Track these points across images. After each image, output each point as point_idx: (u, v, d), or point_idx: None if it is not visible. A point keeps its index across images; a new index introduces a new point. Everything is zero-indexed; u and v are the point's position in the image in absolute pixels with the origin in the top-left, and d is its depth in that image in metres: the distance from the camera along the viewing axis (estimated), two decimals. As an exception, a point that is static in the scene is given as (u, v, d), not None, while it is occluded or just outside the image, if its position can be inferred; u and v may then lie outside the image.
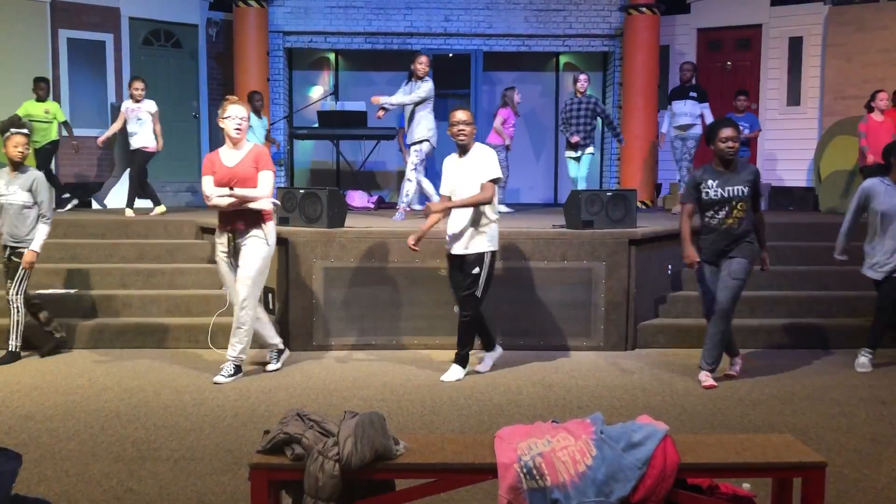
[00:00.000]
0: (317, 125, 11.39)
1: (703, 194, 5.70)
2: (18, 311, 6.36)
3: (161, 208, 9.37)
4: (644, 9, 11.29)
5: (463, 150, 5.78)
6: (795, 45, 11.60)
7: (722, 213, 5.66)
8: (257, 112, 10.64)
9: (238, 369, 5.92)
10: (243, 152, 5.78)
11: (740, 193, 5.63)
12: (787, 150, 11.06)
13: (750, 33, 11.96)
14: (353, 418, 3.00)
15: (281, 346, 6.24)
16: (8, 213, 6.34)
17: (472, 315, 5.82)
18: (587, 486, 2.87)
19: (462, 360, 5.95)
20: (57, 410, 5.11)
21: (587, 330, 6.87)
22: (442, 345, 6.79)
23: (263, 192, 5.75)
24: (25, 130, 6.47)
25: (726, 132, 5.64)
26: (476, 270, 5.73)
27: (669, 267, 7.54)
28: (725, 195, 5.63)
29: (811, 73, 11.51)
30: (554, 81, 13.12)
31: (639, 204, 9.22)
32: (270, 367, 6.16)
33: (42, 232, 6.37)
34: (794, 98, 11.62)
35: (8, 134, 6.36)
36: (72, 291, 7.22)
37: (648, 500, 2.88)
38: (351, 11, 11.91)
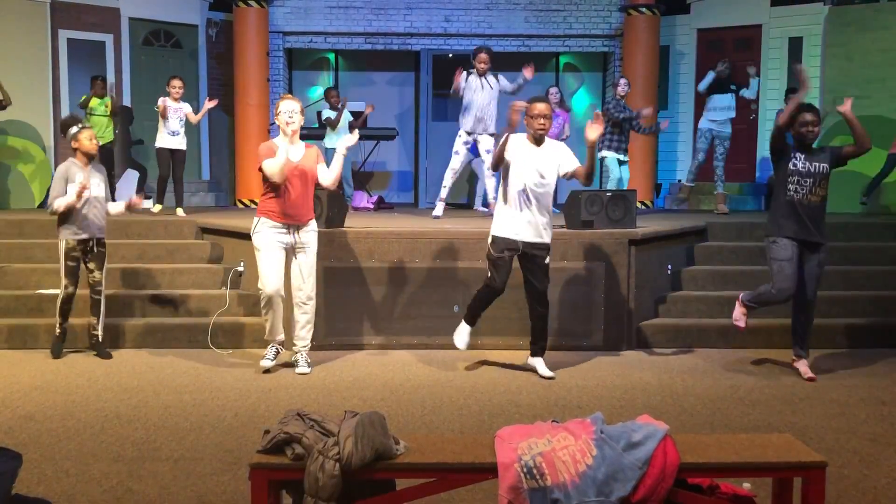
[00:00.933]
0: (316, 125, 11.38)
1: (791, 164, 5.80)
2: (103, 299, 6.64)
3: (158, 207, 9.37)
4: (644, 9, 11.29)
5: (539, 140, 5.87)
6: (795, 45, 11.59)
7: (805, 188, 5.79)
8: (335, 108, 10.54)
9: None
10: (304, 149, 6.02)
11: (823, 171, 5.79)
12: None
13: (750, 33, 11.95)
14: (353, 418, 3.00)
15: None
16: (93, 205, 6.43)
17: (548, 310, 6.03)
18: (587, 485, 2.87)
19: (543, 351, 6.12)
20: (57, 410, 5.11)
21: (587, 330, 6.88)
22: (442, 345, 6.79)
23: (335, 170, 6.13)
24: (88, 124, 6.65)
25: (806, 116, 5.78)
26: (547, 260, 5.91)
27: (669, 267, 7.54)
28: (812, 169, 5.77)
29: (811, 73, 11.49)
30: (554, 82, 13.09)
31: (639, 204, 9.22)
32: (262, 363, 6.13)
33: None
34: (794, 98, 11.63)
35: (76, 130, 6.43)
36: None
37: (649, 500, 2.89)
38: (351, 11, 11.91)
